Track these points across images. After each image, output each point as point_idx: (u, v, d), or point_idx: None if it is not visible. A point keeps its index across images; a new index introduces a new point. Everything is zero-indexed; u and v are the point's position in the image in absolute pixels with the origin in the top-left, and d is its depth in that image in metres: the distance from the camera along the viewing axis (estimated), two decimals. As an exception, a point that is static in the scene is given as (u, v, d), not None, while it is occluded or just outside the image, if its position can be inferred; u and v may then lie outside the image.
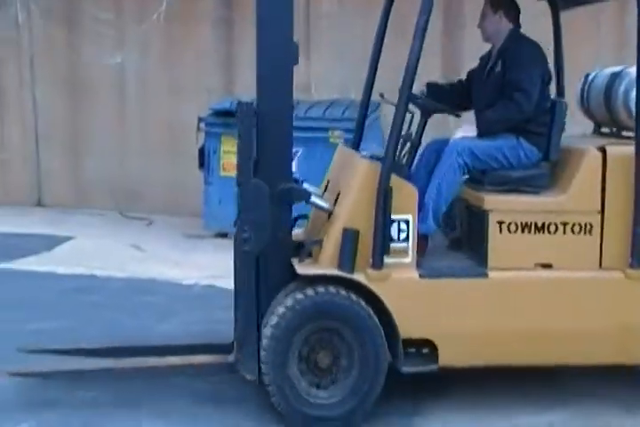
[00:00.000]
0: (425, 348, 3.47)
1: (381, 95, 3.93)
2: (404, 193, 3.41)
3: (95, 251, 6.58)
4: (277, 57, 3.47)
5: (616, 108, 3.75)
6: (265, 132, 3.50)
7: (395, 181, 3.38)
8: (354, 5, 7.47)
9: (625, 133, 3.83)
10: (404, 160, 3.84)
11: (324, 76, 7.83)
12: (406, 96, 3.34)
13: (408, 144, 3.80)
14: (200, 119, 6.92)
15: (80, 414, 3.52)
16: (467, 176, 3.74)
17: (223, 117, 6.73)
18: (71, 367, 3.65)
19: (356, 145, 4.21)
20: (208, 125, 6.92)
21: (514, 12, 3.78)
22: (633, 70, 3.66)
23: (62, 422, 3.44)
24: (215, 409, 3.59)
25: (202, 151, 6.95)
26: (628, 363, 3.60)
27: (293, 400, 3.39)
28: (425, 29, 3.36)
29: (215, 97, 7.51)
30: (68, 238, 6.89)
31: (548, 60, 3.79)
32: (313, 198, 3.55)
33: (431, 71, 7.57)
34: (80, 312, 4.84)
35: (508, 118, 3.62)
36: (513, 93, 3.56)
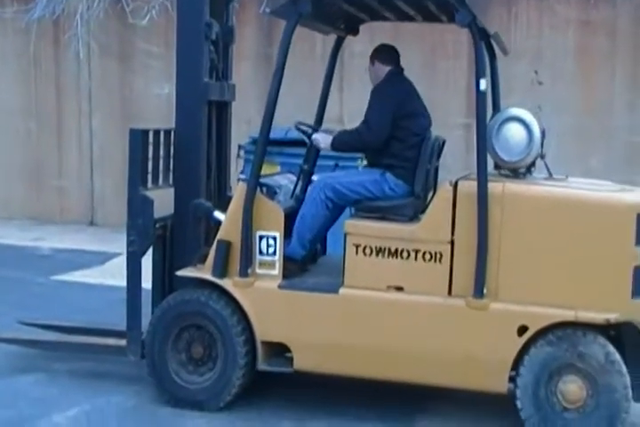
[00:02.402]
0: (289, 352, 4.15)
1: (297, 123, 4.66)
2: (271, 212, 4.16)
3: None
4: (191, 94, 4.41)
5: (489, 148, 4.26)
6: (180, 156, 4.41)
7: (261, 201, 4.15)
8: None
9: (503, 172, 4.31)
10: (299, 187, 4.56)
11: (356, 108, 8.68)
12: (266, 128, 4.10)
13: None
14: (240, 147, 7.88)
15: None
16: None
17: None
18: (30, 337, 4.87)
19: (308, 173, 4.82)
20: (247, 153, 7.85)
21: (389, 57, 4.45)
22: (504, 113, 4.22)
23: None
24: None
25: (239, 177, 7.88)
26: (468, 388, 4.05)
27: (166, 382, 4.24)
28: (282, 68, 4.10)
29: (254, 127, 8.47)
30: (117, 254, 7.84)
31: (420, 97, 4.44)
32: (215, 214, 4.36)
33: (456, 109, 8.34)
34: (118, 316, 5.51)
35: (349, 143, 4.35)
36: (360, 124, 4.26)
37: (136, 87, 9.53)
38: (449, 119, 7.87)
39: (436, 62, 8.54)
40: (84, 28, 9.31)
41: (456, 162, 7.47)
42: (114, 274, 7.20)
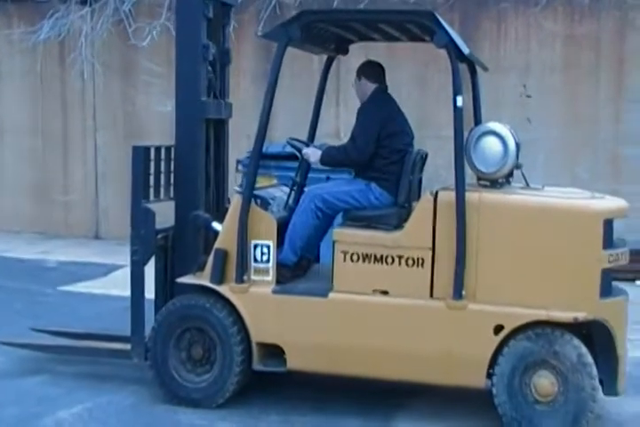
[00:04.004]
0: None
1: (289, 139, 4.99)
2: (265, 223, 4.50)
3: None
4: (190, 112, 4.75)
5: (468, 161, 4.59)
6: (180, 171, 4.75)
7: (255, 212, 4.50)
8: (378, 60, 8.68)
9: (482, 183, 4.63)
10: (291, 198, 4.89)
11: (351, 123, 9.00)
12: (260, 143, 4.44)
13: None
14: (238, 161, 8.20)
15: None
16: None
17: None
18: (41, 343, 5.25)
19: (300, 185, 5.15)
20: (245, 167, 8.17)
21: (376, 75, 4.79)
22: (481, 128, 4.54)
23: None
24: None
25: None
26: (449, 384, 4.38)
27: (169, 382, 4.57)
28: (274, 88, 4.45)
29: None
30: (120, 266, 8.24)
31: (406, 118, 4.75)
32: (213, 224, 4.70)
33: (448, 123, 8.64)
34: (121, 324, 5.65)
35: (336, 158, 4.69)
36: (347, 141, 4.59)
37: (138, 104, 9.94)
38: (441, 132, 8.17)
39: (428, 77, 8.89)
40: (88, 49, 9.75)
41: (449, 174, 7.80)
42: (117, 285, 7.58)
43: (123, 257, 8.89)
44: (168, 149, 4.86)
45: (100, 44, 9.80)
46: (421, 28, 4.50)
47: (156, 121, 9.72)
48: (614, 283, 4.36)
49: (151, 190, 4.71)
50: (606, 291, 4.20)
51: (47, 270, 8.46)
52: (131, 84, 9.94)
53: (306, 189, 4.77)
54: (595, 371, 4.15)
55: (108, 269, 8.34)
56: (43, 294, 7.30)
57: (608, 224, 4.19)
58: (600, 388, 4.24)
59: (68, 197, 10.35)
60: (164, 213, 4.84)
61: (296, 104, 8.27)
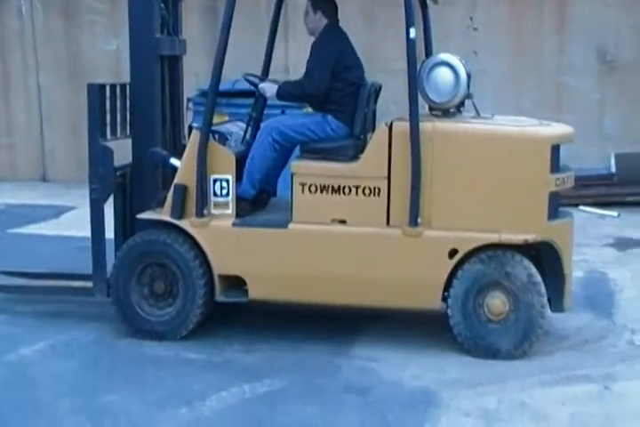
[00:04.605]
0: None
1: (245, 74, 5.04)
2: (223, 157, 4.59)
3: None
4: (144, 50, 4.76)
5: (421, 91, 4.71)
6: (135, 108, 4.75)
7: (214, 147, 4.58)
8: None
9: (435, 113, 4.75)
10: (248, 133, 4.97)
11: (300, 58, 9.05)
12: (216, 81, 4.50)
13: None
14: (189, 99, 8.18)
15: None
16: None
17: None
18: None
19: (256, 120, 5.17)
20: (195, 105, 8.15)
21: (330, 10, 4.84)
22: (432, 59, 4.65)
23: None
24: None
25: (190, 127, 8.20)
26: (407, 307, 4.59)
27: (132, 317, 4.68)
28: (229, 25, 4.49)
29: (202, 80, 8.80)
30: (71, 208, 8.32)
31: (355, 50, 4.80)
32: (171, 160, 4.76)
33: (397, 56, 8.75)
34: (77, 263, 5.65)
35: (292, 93, 4.77)
36: (303, 76, 4.68)
37: (82, 43, 9.77)
38: (390, 65, 8.27)
39: (375, 10, 8.92)
40: (25, -16, 9.51)
41: (398, 106, 7.92)
42: (69, 226, 7.60)
43: (72, 198, 8.98)
44: (123, 86, 4.87)
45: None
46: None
47: (101, 60, 9.61)
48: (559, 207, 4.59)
49: (108, 129, 4.73)
50: (553, 213, 4.43)
51: (-5, 213, 8.44)
52: (73, 22, 9.76)
53: (262, 124, 4.83)
54: (543, 289, 4.40)
55: (58, 211, 8.35)
56: (-7, 236, 7.30)
57: (555, 149, 4.39)
58: (548, 305, 4.49)
59: (11, 140, 10.20)
60: (121, 150, 4.87)
61: (243, 41, 8.26)
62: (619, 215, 8.04)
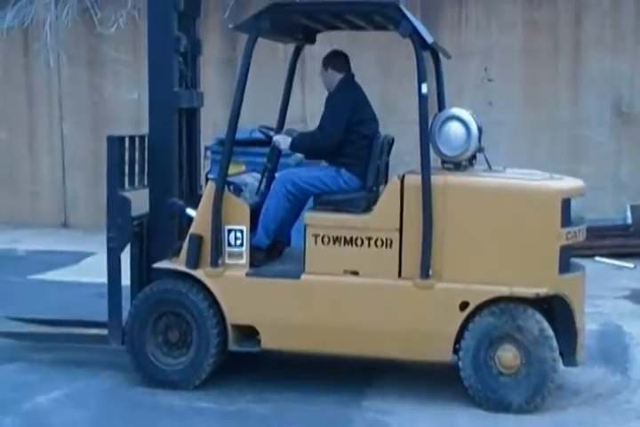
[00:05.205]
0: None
1: (259, 127, 5.15)
2: (237, 208, 4.67)
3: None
4: (163, 103, 4.88)
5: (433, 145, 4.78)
6: (154, 160, 4.90)
7: (228, 198, 4.67)
8: (342, 47, 8.86)
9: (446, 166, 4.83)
10: (263, 184, 5.06)
11: (318, 108, 9.20)
12: (232, 133, 4.61)
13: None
14: (206, 148, 8.33)
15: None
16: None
17: None
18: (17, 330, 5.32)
19: (271, 171, 5.29)
20: (213, 153, 8.30)
21: (341, 65, 4.95)
22: (444, 113, 4.74)
23: None
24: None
25: (207, 176, 8.34)
26: (417, 359, 4.61)
27: (146, 365, 4.71)
28: (246, 78, 4.60)
29: (220, 129, 8.95)
30: (90, 254, 8.41)
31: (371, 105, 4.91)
32: (187, 211, 4.86)
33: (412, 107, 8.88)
34: (94, 309, 5.67)
35: (306, 146, 4.88)
36: (316, 129, 4.78)
37: (105, 93, 10.02)
38: (405, 116, 8.38)
39: (391, 62, 9.08)
40: (52, 38, 9.76)
41: (413, 157, 8.01)
42: (88, 272, 7.65)
43: (92, 245, 9.09)
44: (142, 138, 4.99)
45: (65, 33, 9.82)
46: (386, 18, 4.67)
47: (123, 109, 9.82)
48: (572, 259, 4.59)
49: (126, 179, 4.83)
50: (565, 267, 4.44)
51: (16, 259, 8.52)
52: (97, 72, 10.02)
53: (277, 175, 4.93)
54: (555, 343, 4.39)
55: (78, 258, 8.44)
56: (13, 283, 7.36)
57: (566, 203, 4.43)
58: (560, 359, 4.48)
59: (35, 187, 10.42)
60: (139, 200, 4.96)
61: (261, 92, 8.44)
62: (635, 267, 8.01)
